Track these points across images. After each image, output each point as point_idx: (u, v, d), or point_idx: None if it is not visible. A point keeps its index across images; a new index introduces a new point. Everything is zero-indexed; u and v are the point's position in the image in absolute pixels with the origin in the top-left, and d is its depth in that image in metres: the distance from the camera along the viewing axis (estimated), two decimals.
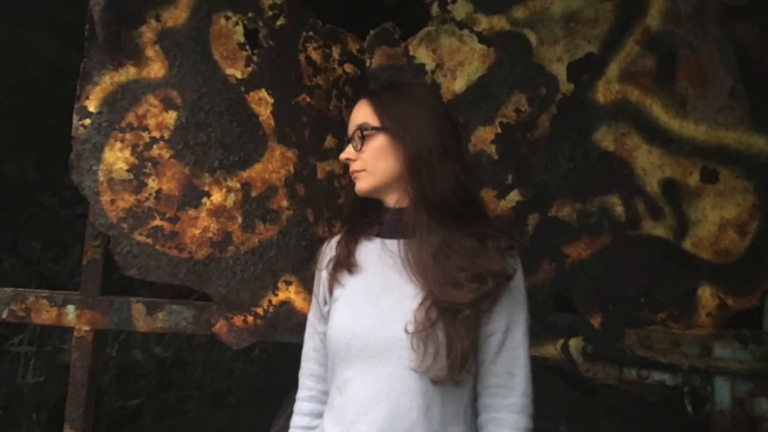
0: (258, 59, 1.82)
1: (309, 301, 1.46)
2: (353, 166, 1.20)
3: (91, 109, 1.76)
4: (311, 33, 1.85)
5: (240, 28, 1.81)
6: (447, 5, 1.80)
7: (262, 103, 1.81)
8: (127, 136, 1.77)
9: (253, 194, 1.79)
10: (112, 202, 1.76)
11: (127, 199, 1.76)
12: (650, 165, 1.69)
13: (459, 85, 1.78)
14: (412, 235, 1.14)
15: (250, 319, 1.76)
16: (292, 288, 1.77)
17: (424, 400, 1.06)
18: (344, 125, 1.32)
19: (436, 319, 1.06)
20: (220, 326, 1.76)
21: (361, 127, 1.18)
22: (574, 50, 1.75)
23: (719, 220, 1.65)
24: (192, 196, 1.78)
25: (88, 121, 1.77)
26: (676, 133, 1.69)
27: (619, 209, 1.70)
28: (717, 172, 1.66)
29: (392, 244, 1.17)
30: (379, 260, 1.17)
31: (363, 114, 1.20)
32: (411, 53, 1.81)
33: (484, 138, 1.77)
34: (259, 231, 1.78)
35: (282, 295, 1.77)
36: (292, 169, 1.81)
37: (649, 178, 1.69)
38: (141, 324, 1.80)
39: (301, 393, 1.26)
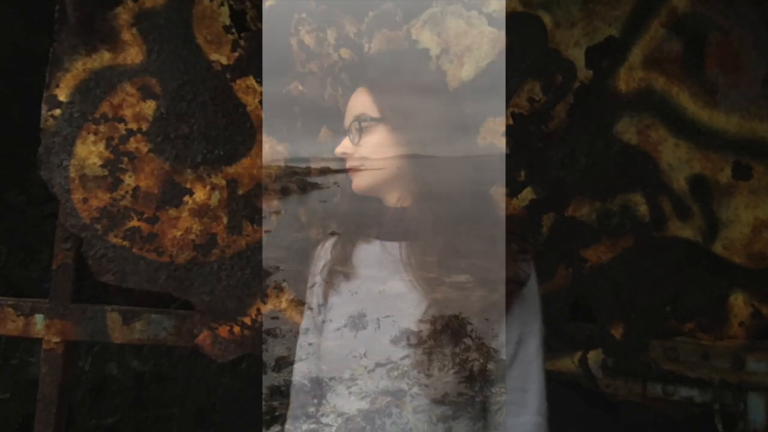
0: (245, 43, 1.82)
1: (301, 311, 1.46)
2: (350, 162, 1.20)
3: (62, 98, 1.77)
4: (304, 14, 1.85)
5: (225, 9, 1.81)
6: None
7: (249, 92, 1.81)
8: (102, 128, 1.77)
9: (240, 192, 1.79)
10: (85, 200, 1.76)
11: (102, 198, 1.76)
12: (677, 160, 1.69)
13: (466, 72, 1.78)
14: (415, 237, 1.14)
15: (236, 329, 1.76)
16: (283, 296, 1.77)
17: (430, 419, 1.06)
18: (340, 116, 1.33)
19: (441, 330, 1.06)
20: (203, 337, 1.76)
21: (359, 119, 1.18)
22: (593, 33, 1.75)
23: (753, 221, 1.65)
24: (172, 194, 1.78)
25: (58, 112, 1.77)
26: (706, 125, 1.69)
27: (643, 209, 1.70)
28: (750, 168, 1.66)
29: (393, 246, 1.17)
30: (379, 265, 1.17)
31: (361, 104, 1.20)
32: (414, 37, 1.81)
33: (494, 130, 1.77)
34: (246, 233, 1.78)
35: (272, 304, 1.77)
36: (283, 164, 1.81)
37: (676, 175, 1.69)
38: (117, 335, 1.80)
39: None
